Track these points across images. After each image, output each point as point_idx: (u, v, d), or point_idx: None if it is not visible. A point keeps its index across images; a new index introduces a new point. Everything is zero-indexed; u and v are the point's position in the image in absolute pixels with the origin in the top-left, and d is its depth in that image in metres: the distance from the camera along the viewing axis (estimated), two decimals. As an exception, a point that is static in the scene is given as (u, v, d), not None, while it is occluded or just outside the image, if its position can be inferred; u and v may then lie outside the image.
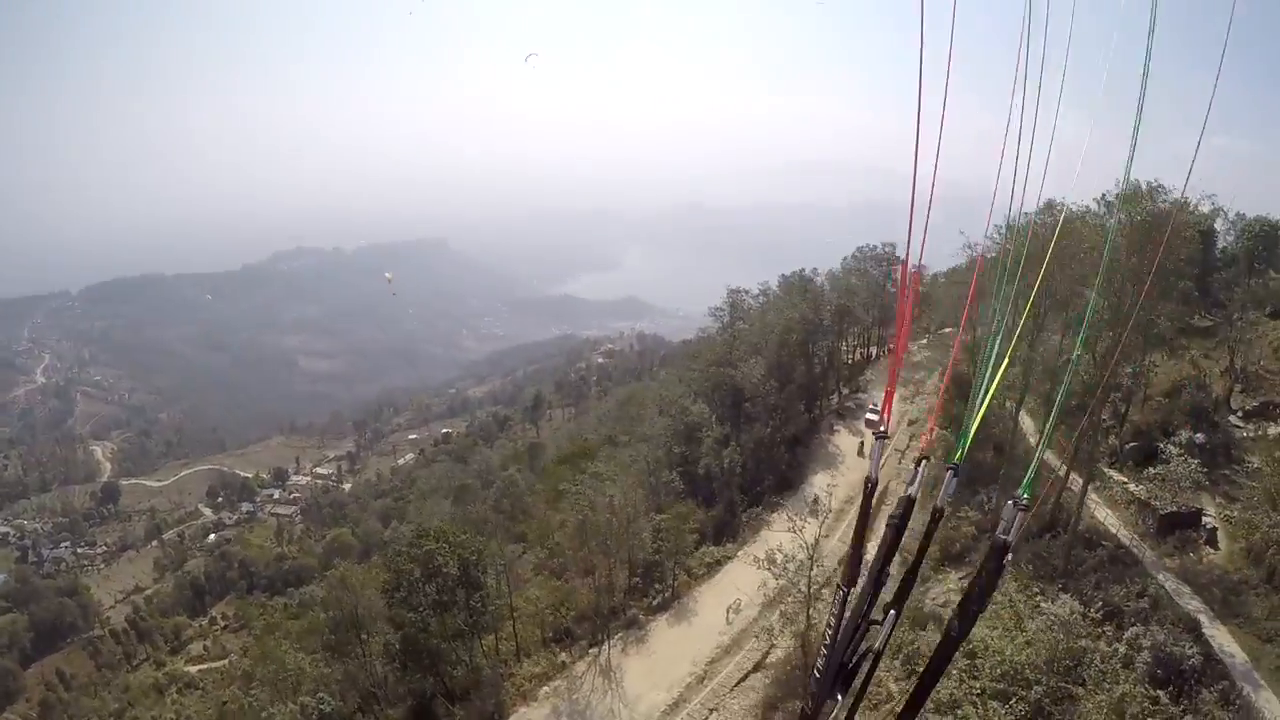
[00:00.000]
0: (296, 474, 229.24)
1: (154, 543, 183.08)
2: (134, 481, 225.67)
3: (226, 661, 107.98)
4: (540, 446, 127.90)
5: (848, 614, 5.31)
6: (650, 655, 50.68)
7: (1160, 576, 41.81)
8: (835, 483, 63.15)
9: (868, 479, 5.43)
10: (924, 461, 5.35)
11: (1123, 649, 37.11)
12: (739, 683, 47.22)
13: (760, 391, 73.53)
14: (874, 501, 5.55)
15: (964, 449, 5.14)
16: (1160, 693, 34.05)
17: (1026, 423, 55.62)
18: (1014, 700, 36.01)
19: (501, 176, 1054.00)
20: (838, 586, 5.44)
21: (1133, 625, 38.00)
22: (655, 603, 55.66)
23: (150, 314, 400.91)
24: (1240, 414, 54.15)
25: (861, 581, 5.38)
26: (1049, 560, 44.72)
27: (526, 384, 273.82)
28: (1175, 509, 44.92)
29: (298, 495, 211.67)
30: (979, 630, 38.67)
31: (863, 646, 5.28)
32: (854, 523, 5.77)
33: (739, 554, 59.54)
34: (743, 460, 70.42)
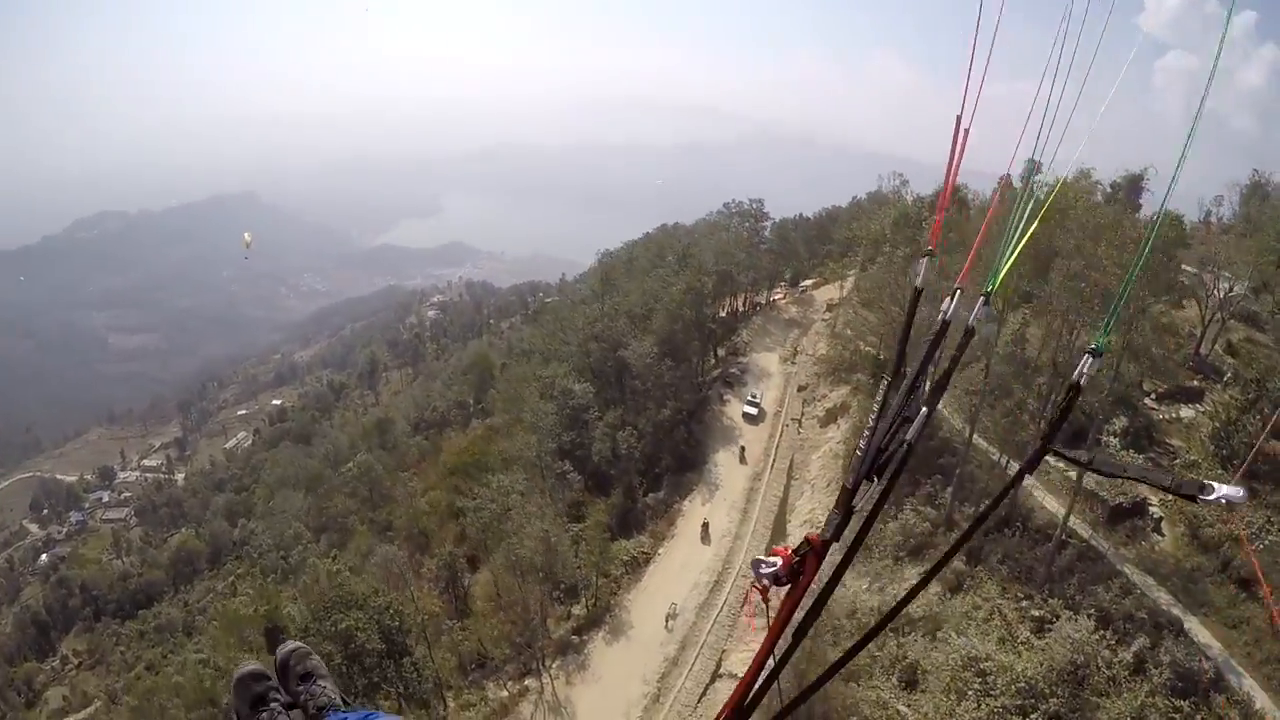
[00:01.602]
0: (123, 470, 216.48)
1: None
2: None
3: (94, 709, 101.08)
4: (389, 421, 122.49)
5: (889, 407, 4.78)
6: (597, 681, 48.40)
7: (1125, 570, 42.68)
8: (737, 454, 62.53)
9: (915, 288, 5.20)
10: (958, 291, 4.89)
11: (1128, 657, 38.24)
12: (701, 697, 45.41)
13: (654, 372, 70.54)
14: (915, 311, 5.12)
15: (996, 280, 4.98)
16: (1183, 703, 36.08)
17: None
18: (1033, 714, 37.18)
19: (311, 123, 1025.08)
20: (882, 377, 4.92)
21: (1138, 636, 39.23)
22: (583, 619, 52.74)
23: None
24: (1154, 397, 55.61)
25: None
26: (1020, 561, 44.79)
27: (356, 343, 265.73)
28: (1122, 500, 45.86)
29: (129, 495, 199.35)
30: (984, 647, 40.87)
31: (898, 439, 4.69)
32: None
33: (659, 552, 57.82)
34: (640, 443, 67.38)
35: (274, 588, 78.16)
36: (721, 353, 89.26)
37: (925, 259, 5.51)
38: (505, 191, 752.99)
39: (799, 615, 4.66)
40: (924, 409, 4.89)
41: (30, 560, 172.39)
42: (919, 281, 5.33)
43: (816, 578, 4.67)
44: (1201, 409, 54.03)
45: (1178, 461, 49.29)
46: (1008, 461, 48.70)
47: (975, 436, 51.29)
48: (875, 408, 4.93)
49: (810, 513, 57.68)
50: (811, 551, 4.72)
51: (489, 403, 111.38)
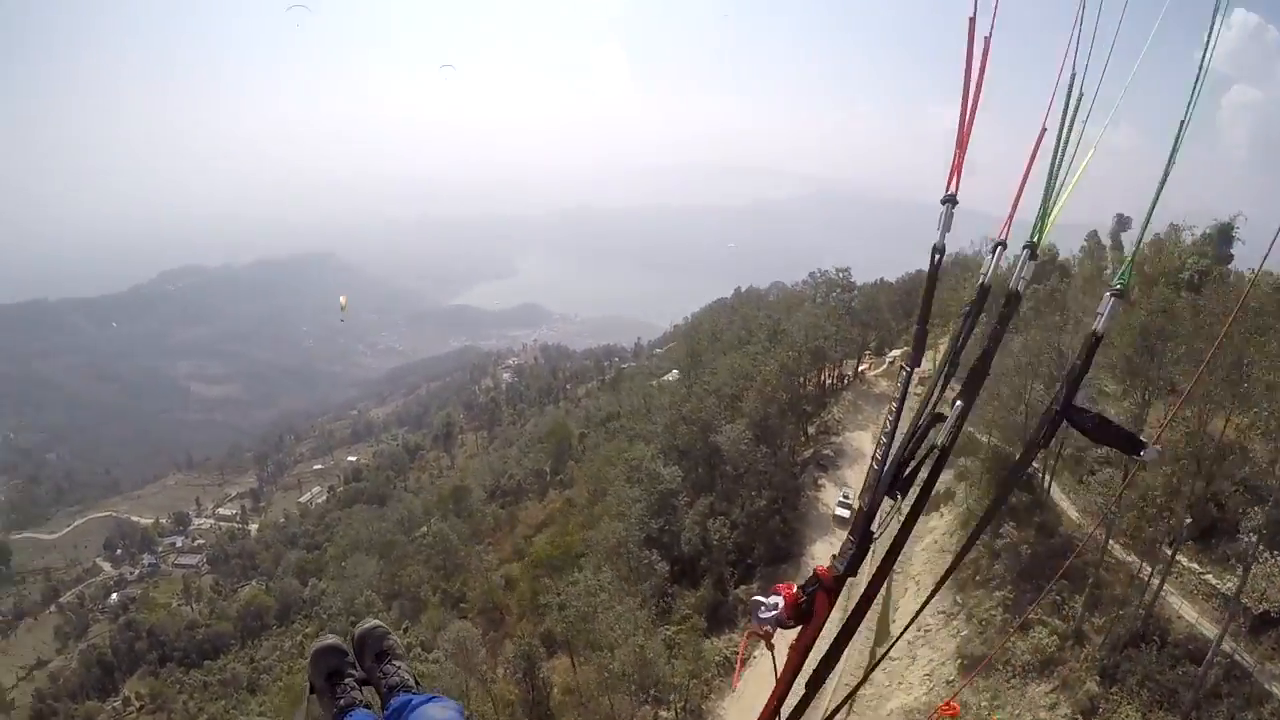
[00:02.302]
0: (198, 517, 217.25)
1: (52, 607, 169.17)
2: (25, 535, 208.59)
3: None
4: (464, 489, 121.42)
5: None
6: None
7: (1276, 691, 37.60)
8: (833, 545, 59.72)
9: (935, 248, 4.36)
10: (999, 248, 4.35)
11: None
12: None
13: (749, 460, 67.52)
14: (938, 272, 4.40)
15: (1043, 230, 4.18)
16: None
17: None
18: None
19: (388, 185, 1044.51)
20: (900, 368, 4.49)
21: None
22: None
23: (34, 345, 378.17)
24: None
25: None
26: (1162, 683, 39.31)
27: (431, 402, 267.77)
28: (1268, 607, 40.33)
29: (201, 542, 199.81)
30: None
31: (926, 443, 4.24)
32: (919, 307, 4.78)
33: (754, 654, 55.27)
34: (732, 533, 64.78)
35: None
36: (812, 430, 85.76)
37: (947, 206, 4.53)
38: (577, 254, 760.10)
39: (811, 662, 4.30)
40: (959, 403, 4.34)
41: (101, 598, 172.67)
42: (941, 239, 4.46)
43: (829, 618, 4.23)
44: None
45: None
46: (1141, 566, 43.96)
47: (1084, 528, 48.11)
48: (893, 404, 4.43)
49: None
50: (821, 588, 4.36)
51: (567, 474, 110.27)
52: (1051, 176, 4.17)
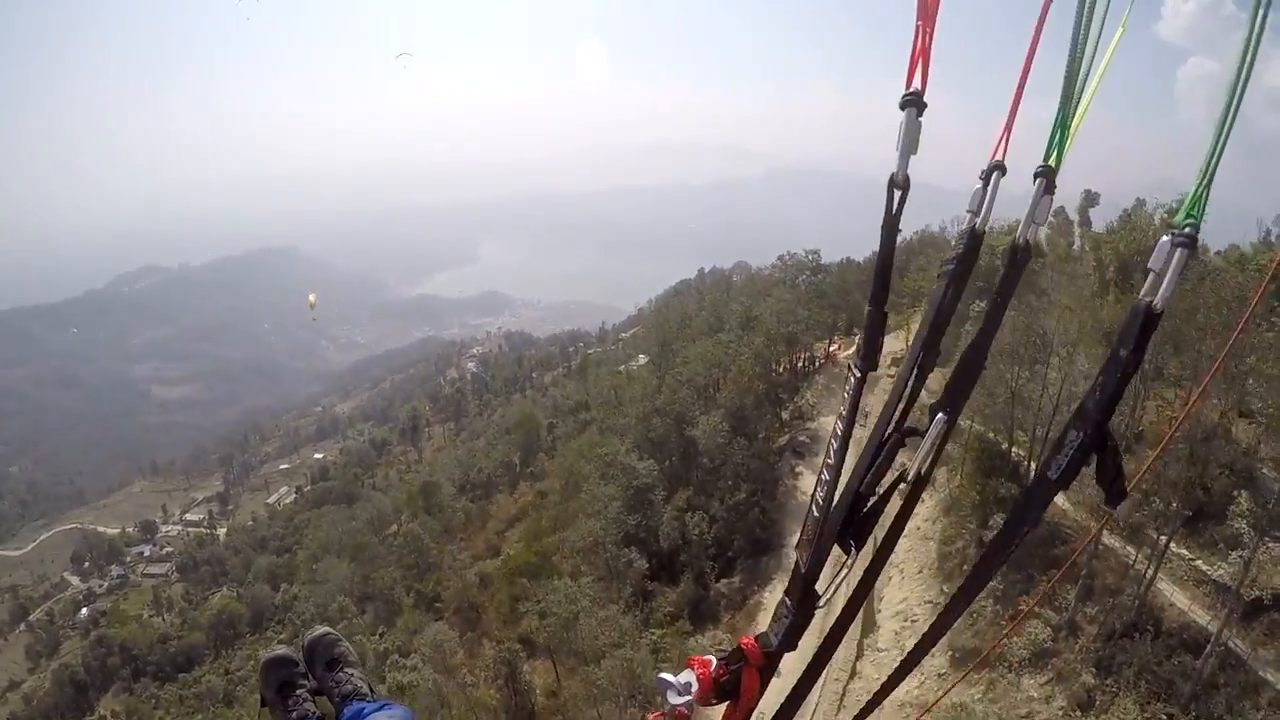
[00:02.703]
0: (165, 524, 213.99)
1: (22, 626, 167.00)
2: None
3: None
4: (434, 485, 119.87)
5: (868, 413, 3.43)
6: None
7: (1270, 677, 36.72)
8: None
9: (895, 179, 3.13)
10: (996, 173, 3.14)
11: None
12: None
13: (727, 453, 66.30)
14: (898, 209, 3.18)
15: (1062, 149, 2.99)
16: None
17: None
18: None
19: (345, 175, 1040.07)
20: (849, 368, 3.33)
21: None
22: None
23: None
24: (1272, 461, 45.49)
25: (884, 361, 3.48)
26: (1159, 674, 38.31)
27: (395, 395, 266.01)
28: (1259, 593, 39.05)
29: (170, 550, 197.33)
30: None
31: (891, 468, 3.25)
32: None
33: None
34: (711, 528, 63.58)
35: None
36: (785, 416, 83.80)
37: (909, 110, 3.10)
38: (539, 239, 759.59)
39: None
40: (940, 414, 3.24)
41: (71, 614, 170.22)
42: (900, 167, 3.13)
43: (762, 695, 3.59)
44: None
45: None
46: (1135, 558, 42.86)
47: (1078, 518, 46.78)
48: (841, 410, 3.36)
49: (902, 603, 52.74)
50: (748, 665, 3.59)
51: (537, 466, 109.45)
52: (1073, 59, 2.84)
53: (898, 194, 3.20)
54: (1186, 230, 2.63)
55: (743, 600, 58.45)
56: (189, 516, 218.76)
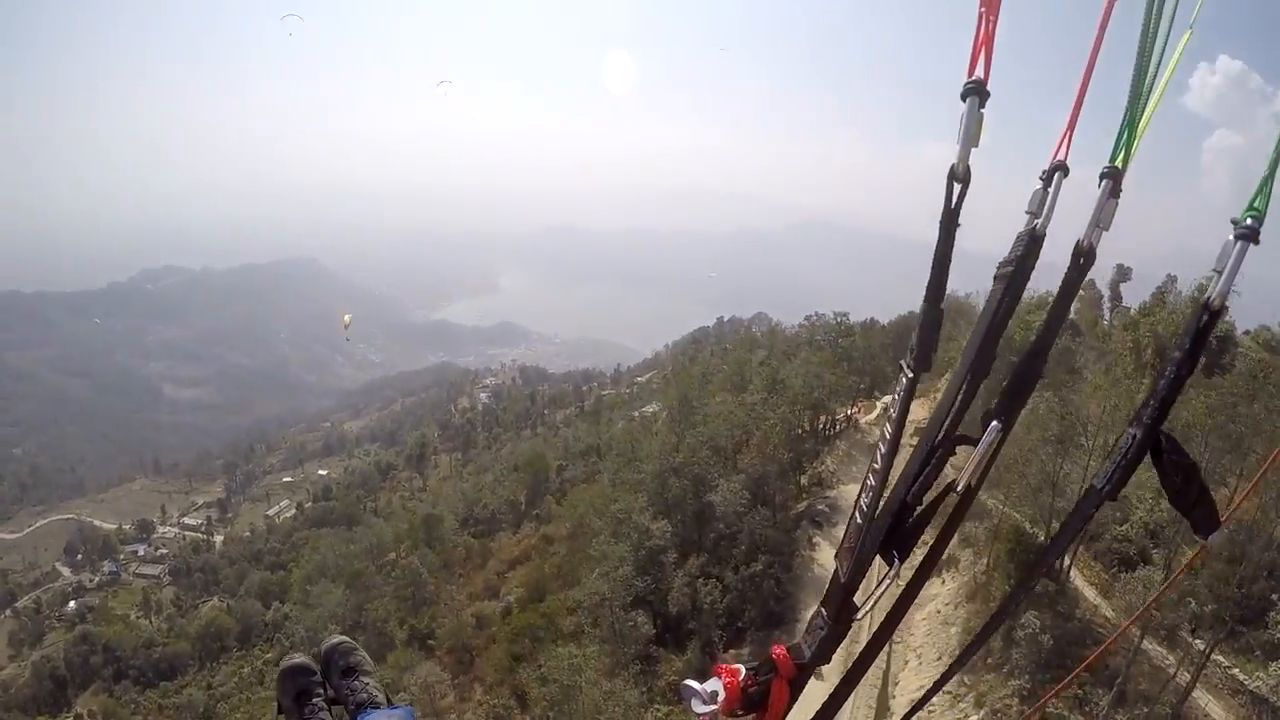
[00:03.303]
0: (163, 525, 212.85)
1: (8, 611, 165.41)
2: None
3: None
4: (436, 518, 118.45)
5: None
6: None
7: None
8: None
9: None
10: (1059, 173, 2.92)
11: None
12: None
13: (749, 524, 64.39)
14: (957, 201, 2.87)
15: (1128, 150, 2.82)
16: None
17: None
18: None
19: (374, 194, 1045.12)
20: (900, 369, 2.92)
21: None
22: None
23: (6, 336, 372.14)
24: None
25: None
26: None
27: (405, 419, 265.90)
28: None
29: (164, 551, 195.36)
30: None
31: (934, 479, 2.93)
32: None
33: None
34: (724, 596, 61.91)
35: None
36: (804, 481, 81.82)
37: (971, 99, 2.87)
38: (560, 274, 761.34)
39: None
40: (995, 423, 2.93)
41: (58, 605, 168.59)
42: (961, 158, 2.88)
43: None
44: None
45: None
46: (1175, 667, 41.33)
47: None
48: (889, 422, 2.98)
49: (919, 689, 51.32)
50: (778, 676, 3.27)
51: (543, 508, 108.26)
52: (1144, 50, 2.63)
53: (958, 187, 2.90)
54: (1249, 223, 2.60)
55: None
56: (187, 520, 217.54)
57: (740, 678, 3.18)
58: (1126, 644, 42.13)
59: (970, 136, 2.82)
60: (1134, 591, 44.10)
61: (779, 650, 3.20)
